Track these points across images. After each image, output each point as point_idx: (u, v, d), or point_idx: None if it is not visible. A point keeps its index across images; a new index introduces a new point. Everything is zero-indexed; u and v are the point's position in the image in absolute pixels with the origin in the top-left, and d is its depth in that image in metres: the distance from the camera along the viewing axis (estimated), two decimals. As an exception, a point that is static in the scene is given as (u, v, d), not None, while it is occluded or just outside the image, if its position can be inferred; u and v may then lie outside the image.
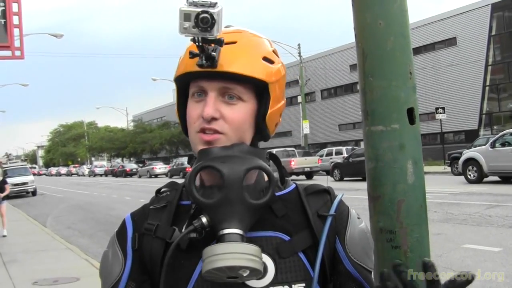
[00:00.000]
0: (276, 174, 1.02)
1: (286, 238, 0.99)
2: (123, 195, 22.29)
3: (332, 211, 1.02)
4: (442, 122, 25.72)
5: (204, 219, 0.92)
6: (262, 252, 0.92)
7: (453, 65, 33.34)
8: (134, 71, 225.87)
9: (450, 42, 34.35)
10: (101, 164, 68.85)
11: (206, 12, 0.88)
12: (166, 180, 30.66)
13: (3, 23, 10.89)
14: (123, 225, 1.06)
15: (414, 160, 1.04)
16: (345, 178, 22.10)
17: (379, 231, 1.06)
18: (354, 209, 1.09)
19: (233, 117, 0.97)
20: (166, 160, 54.02)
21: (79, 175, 65.35)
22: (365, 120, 1.09)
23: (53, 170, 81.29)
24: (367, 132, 1.08)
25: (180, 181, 1.13)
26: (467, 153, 17.06)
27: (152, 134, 60.43)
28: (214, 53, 0.92)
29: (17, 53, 11.23)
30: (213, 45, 0.92)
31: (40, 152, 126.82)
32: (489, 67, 32.58)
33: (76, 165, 78.34)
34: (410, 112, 1.04)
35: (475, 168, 16.16)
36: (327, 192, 1.07)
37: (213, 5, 0.89)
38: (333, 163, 24.45)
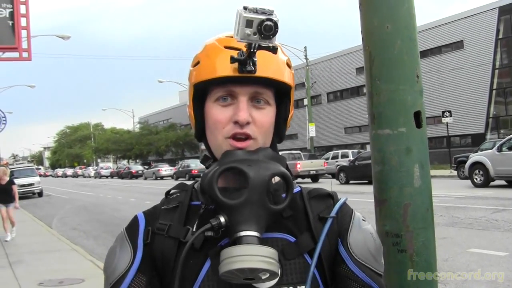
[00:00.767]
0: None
1: (292, 239, 0.99)
2: (129, 197, 22.32)
3: (333, 214, 1.02)
4: (448, 126, 25.64)
5: (222, 219, 0.92)
6: None
7: (459, 68, 33.19)
8: (141, 72, 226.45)
9: (457, 45, 34.20)
10: (107, 165, 69.22)
11: (271, 20, 0.88)
12: (172, 182, 30.72)
13: (11, 25, 10.96)
14: (135, 220, 1.07)
15: (421, 164, 1.04)
16: (351, 182, 22.01)
17: (385, 235, 1.05)
18: (360, 212, 1.08)
19: (263, 121, 1.00)
20: (172, 162, 54.14)
21: (85, 177, 65.53)
22: (371, 123, 1.08)
23: (59, 171, 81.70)
24: (374, 136, 1.08)
25: (188, 183, 1.13)
26: (474, 157, 16.96)
27: (158, 136, 60.60)
28: (255, 59, 0.94)
29: (25, 54, 11.29)
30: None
31: (47, 154, 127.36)
32: (496, 71, 32.41)
33: (82, 167, 78.47)
34: (417, 115, 1.04)
35: (481, 172, 16.07)
36: (331, 197, 1.07)
37: (272, 12, 0.89)
38: (339, 166, 24.39)
